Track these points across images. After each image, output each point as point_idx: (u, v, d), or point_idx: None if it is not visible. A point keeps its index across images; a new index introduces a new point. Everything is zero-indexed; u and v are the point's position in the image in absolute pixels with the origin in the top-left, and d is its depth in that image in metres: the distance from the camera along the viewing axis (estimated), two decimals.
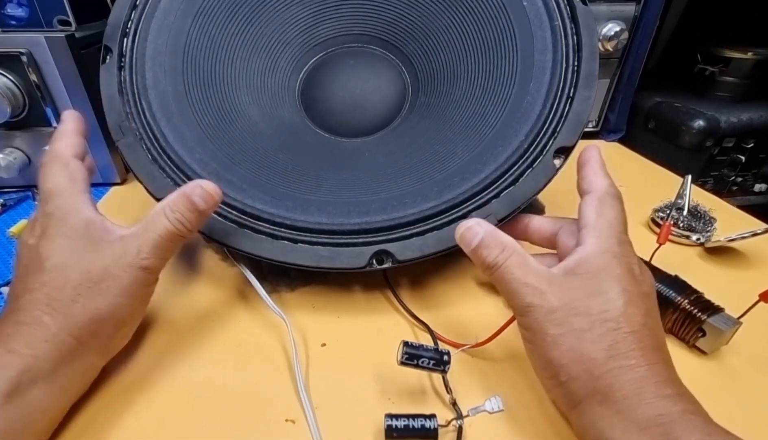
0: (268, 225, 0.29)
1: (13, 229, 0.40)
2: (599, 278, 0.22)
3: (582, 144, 0.30)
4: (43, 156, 0.26)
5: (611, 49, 0.53)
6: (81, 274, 0.23)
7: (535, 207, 0.33)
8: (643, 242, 0.33)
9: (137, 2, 0.32)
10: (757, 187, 0.66)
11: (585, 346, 0.21)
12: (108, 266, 0.24)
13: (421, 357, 0.23)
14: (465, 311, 0.31)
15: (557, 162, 0.29)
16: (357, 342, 0.29)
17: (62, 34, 0.39)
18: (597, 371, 0.20)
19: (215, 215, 0.29)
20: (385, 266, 0.29)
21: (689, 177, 0.41)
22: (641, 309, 0.21)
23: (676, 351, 0.29)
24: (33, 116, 0.41)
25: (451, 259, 0.35)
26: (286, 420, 0.24)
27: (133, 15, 0.32)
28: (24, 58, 0.39)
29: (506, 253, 0.23)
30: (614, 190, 0.25)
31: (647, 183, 0.50)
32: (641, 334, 0.21)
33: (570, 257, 0.23)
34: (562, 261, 0.23)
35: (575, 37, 0.30)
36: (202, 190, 0.26)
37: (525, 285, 0.22)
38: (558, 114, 0.29)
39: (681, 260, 0.37)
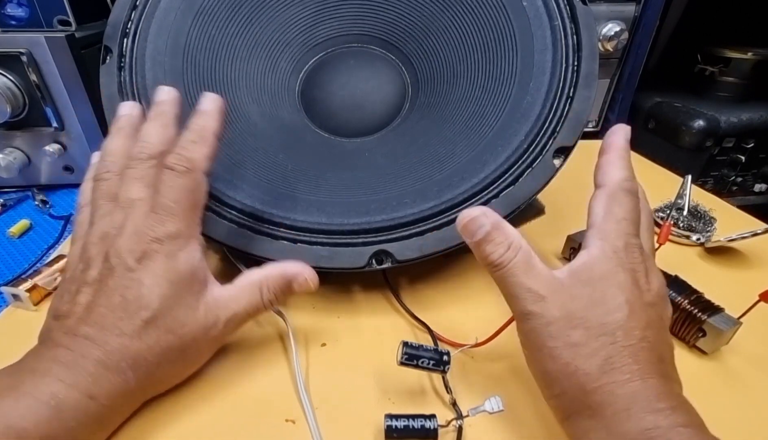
0: (267, 225, 0.29)
1: (13, 229, 0.40)
2: (601, 287, 0.21)
3: (581, 144, 0.30)
4: (174, 156, 0.23)
5: (611, 49, 0.53)
6: (173, 339, 0.23)
7: (534, 207, 0.33)
8: None
9: (137, 2, 0.32)
10: (757, 187, 0.66)
11: (579, 361, 0.20)
12: (197, 337, 0.23)
13: (420, 357, 0.23)
14: (465, 311, 0.31)
15: (557, 162, 0.29)
16: (357, 342, 0.29)
17: (62, 34, 0.39)
18: (589, 386, 0.20)
19: (215, 216, 0.29)
20: (384, 266, 0.29)
21: (689, 177, 0.41)
22: (641, 322, 0.20)
23: (676, 351, 0.28)
24: (33, 116, 0.41)
25: (450, 259, 0.35)
26: (286, 420, 0.24)
27: (133, 15, 0.32)
28: (24, 58, 0.39)
29: (511, 252, 0.22)
30: (629, 184, 0.23)
31: (647, 183, 0.49)
32: (638, 347, 0.20)
33: (575, 260, 0.22)
34: (567, 265, 0.23)
35: (575, 37, 0.30)
36: (304, 280, 0.25)
37: (527, 291, 0.21)
38: (558, 114, 0.29)
39: (681, 260, 0.37)
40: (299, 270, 0.25)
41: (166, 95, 0.25)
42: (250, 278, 0.25)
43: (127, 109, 0.27)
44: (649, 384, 0.19)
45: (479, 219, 0.22)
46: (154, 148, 0.24)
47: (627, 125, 0.25)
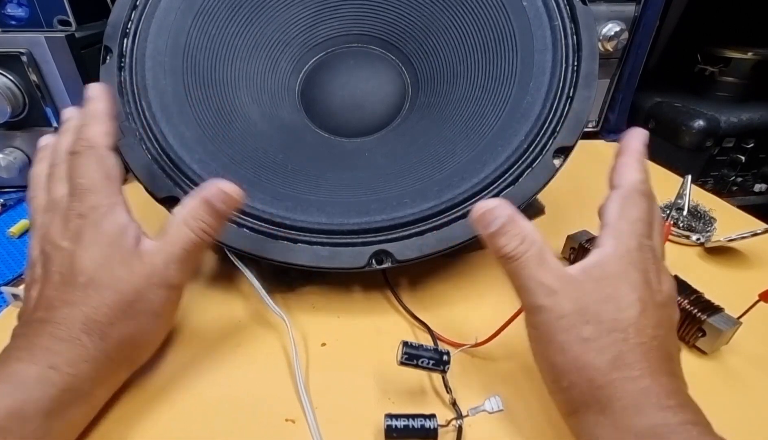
0: (267, 225, 0.29)
1: (13, 229, 0.40)
2: (614, 284, 0.21)
3: (581, 144, 0.30)
4: (74, 142, 0.24)
5: (611, 49, 0.53)
6: (115, 294, 0.23)
7: (534, 207, 0.33)
8: None
9: (137, 2, 0.32)
10: (757, 187, 0.66)
11: (590, 355, 0.20)
12: (139, 287, 0.23)
13: (420, 357, 0.23)
14: (465, 311, 0.31)
15: (557, 162, 0.29)
16: (357, 342, 0.29)
17: (62, 34, 0.39)
18: (599, 381, 0.20)
19: None
20: (384, 266, 0.29)
21: (689, 177, 0.41)
22: (652, 320, 0.21)
23: None
24: (33, 116, 0.42)
25: (450, 259, 0.35)
26: (286, 420, 0.24)
27: (133, 15, 0.32)
28: (24, 58, 0.39)
29: (525, 245, 0.21)
30: (644, 187, 0.23)
31: None
32: (649, 346, 0.20)
33: (588, 258, 0.22)
34: (580, 261, 0.22)
35: (575, 37, 0.30)
36: (221, 192, 0.24)
37: (540, 285, 0.21)
38: (558, 114, 0.29)
39: (681, 260, 0.37)
40: (214, 187, 0.25)
41: (69, 114, 0.27)
42: (175, 218, 0.25)
43: (44, 141, 0.28)
44: (658, 381, 0.19)
45: (495, 210, 0.22)
46: (64, 152, 0.25)
47: (644, 130, 0.25)
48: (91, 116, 0.25)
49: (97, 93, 0.25)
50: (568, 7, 0.31)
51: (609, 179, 0.24)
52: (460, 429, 0.23)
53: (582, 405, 0.20)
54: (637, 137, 0.25)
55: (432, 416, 0.23)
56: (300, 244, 0.29)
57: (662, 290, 0.22)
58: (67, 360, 0.21)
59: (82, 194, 0.23)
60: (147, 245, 0.24)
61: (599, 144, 0.60)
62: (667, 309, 0.22)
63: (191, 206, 0.24)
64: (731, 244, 0.36)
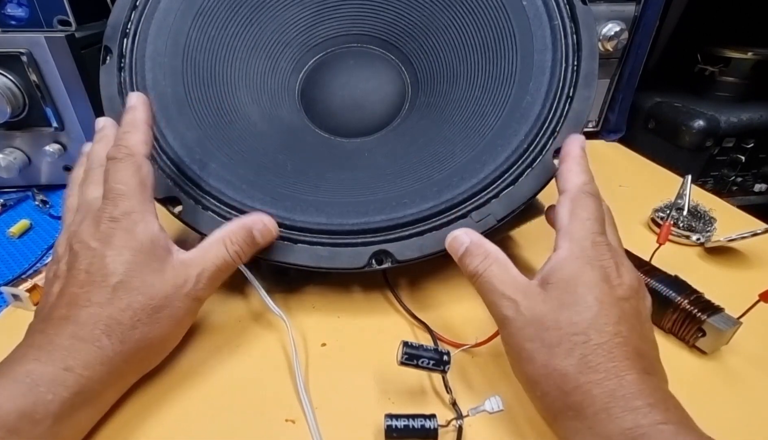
0: None
1: (13, 229, 0.40)
2: (571, 288, 0.21)
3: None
4: (114, 148, 0.25)
5: (611, 49, 0.53)
6: (144, 299, 0.23)
7: (534, 207, 0.33)
8: (643, 242, 0.33)
9: (137, 3, 0.32)
10: (757, 187, 0.66)
11: (556, 361, 0.20)
12: (169, 295, 0.24)
13: (420, 357, 0.23)
14: (465, 311, 0.31)
15: (557, 162, 0.29)
16: (357, 342, 0.29)
17: (62, 34, 0.39)
18: (567, 386, 0.20)
19: (216, 217, 0.29)
20: (384, 266, 0.29)
21: (689, 177, 0.41)
22: (612, 317, 0.21)
23: (676, 351, 0.29)
24: (33, 116, 0.42)
25: (450, 259, 0.35)
26: (286, 420, 0.24)
27: (132, 16, 0.32)
28: (24, 58, 0.39)
29: (487, 261, 0.24)
30: (589, 187, 0.25)
31: (647, 183, 0.50)
32: (612, 344, 0.20)
33: (545, 266, 0.23)
34: (540, 269, 0.23)
35: (575, 37, 0.30)
36: (263, 225, 0.27)
37: (502, 297, 0.23)
38: (557, 114, 0.29)
39: (681, 260, 0.37)
40: (257, 218, 0.27)
41: (102, 123, 0.29)
42: (214, 236, 0.26)
43: (86, 148, 0.29)
44: (626, 381, 0.19)
45: (460, 237, 0.26)
46: (101, 158, 0.26)
47: (580, 134, 0.28)
48: (131, 125, 0.26)
49: (137, 103, 0.27)
50: (567, 7, 0.31)
51: (557, 186, 0.26)
52: (460, 429, 0.23)
53: (559, 413, 0.21)
54: (575, 143, 0.27)
55: (432, 416, 0.23)
56: (300, 244, 0.29)
57: (623, 283, 0.22)
58: (83, 362, 0.21)
59: (116, 199, 0.24)
60: (182, 256, 0.25)
61: (599, 144, 0.60)
62: (631, 301, 0.22)
63: (232, 230, 0.26)
64: (731, 244, 0.36)
